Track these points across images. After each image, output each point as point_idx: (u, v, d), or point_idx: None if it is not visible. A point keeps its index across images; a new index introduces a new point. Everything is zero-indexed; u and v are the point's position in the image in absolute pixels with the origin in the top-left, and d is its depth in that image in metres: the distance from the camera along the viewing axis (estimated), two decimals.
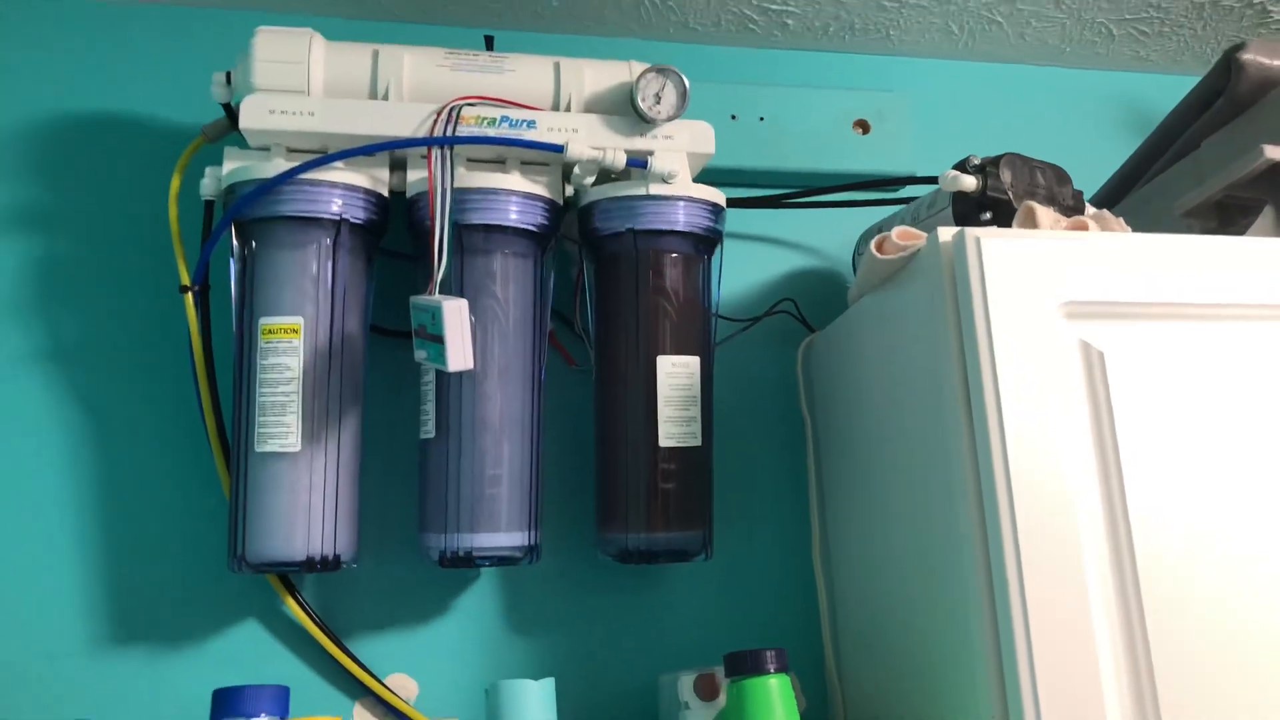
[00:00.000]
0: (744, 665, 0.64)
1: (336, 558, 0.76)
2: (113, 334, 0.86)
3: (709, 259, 0.86)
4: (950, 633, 0.66)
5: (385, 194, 0.81)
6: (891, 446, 0.76)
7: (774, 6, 1.00)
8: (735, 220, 0.99)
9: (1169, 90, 1.14)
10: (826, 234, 1.02)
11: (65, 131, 0.89)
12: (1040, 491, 0.62)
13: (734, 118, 1.00)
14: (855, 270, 0.95)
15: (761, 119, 1.01)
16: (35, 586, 0.81)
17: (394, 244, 0.86)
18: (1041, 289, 0.65)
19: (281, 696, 0.64)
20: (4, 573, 0.81)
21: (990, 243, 0.65)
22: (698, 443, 0.82)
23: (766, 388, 0.96)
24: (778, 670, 0.64)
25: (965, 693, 0.64)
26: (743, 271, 0.98)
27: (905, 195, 1.01)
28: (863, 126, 1.03)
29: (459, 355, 0.69)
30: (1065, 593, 0.60)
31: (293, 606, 0.82)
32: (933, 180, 0.97)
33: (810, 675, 0.88)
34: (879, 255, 0.74)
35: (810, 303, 0.98)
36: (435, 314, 0.70)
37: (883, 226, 0.91)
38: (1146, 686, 0.61)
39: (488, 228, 0.80)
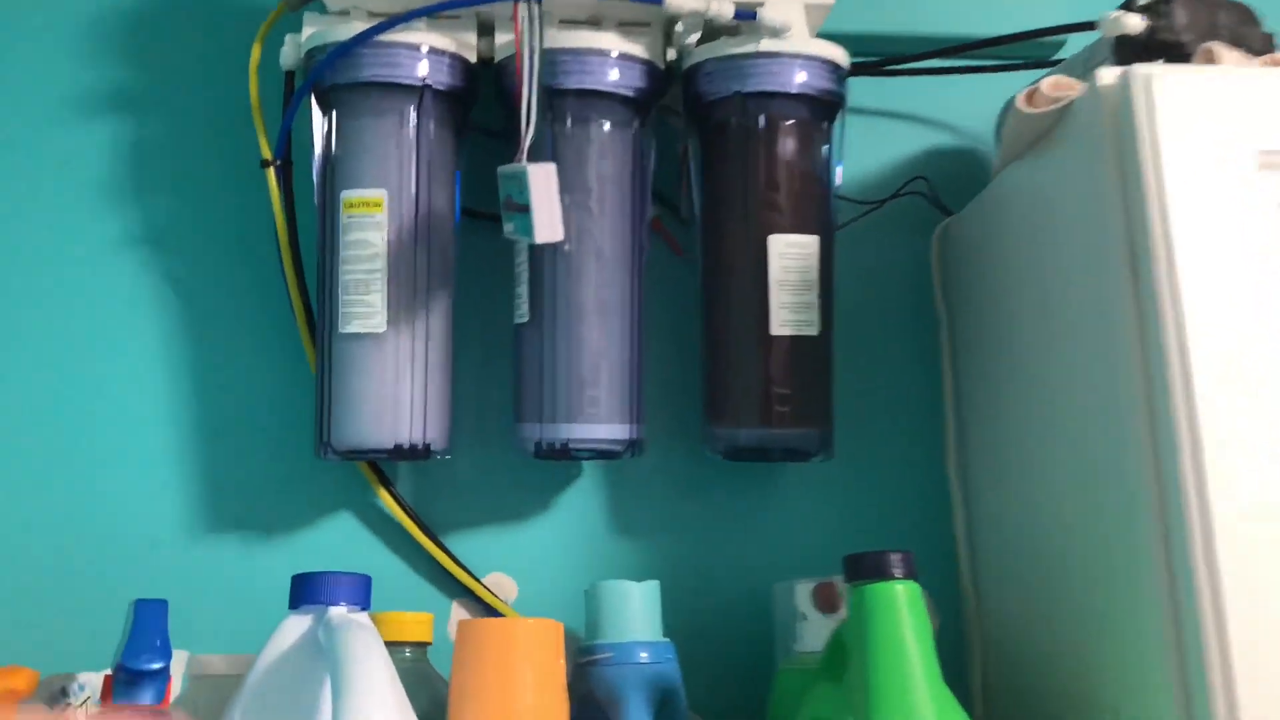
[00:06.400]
0: (865, 569, 0.57)
1: (426, 446, 0.72)
2: (201, 214, 0.83)
3: (829, 128, 0.77)
4: (1112, 551, 0.58)
5: (473, 60, 0.75)
6: (1044, 339, 0.67)
7: None
8: (860, 92, 0.89)
9: None
10: (965, 107, 0.90)
11: (145, 9, 0.86)
12: (1229, 383, 0.52)
13: None
14: (999, 141, 0.84)
15: None
16: (132, 473, 0.80)
17: (488, 121, 0.80)
18: (1231, 136, 0.54)
19: (361, 585, 0.60)
20: (102, 460, 0.80)
21: (1164, 81, 0.54)
22: (814, 331, 0.74)
23: (896, 277, 0.86)
24: (905, 576, 0.56)
25: (1132, 618, 0.56)
26: (869, 150, 0.88)
27: (1059, 59, 0.89)
28: None
29: (546, 224, 0.63)
30: (1258, 508, 0.51)
31: (385, 499, 0.79)
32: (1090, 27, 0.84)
33: (943, 594, 0.78)
34: (1028, 110, 0.64)
35: (947, 184, 0.88)
36: (521, 180, 0.64)
37: None
38: None
39: (582, 93, 0.73)
